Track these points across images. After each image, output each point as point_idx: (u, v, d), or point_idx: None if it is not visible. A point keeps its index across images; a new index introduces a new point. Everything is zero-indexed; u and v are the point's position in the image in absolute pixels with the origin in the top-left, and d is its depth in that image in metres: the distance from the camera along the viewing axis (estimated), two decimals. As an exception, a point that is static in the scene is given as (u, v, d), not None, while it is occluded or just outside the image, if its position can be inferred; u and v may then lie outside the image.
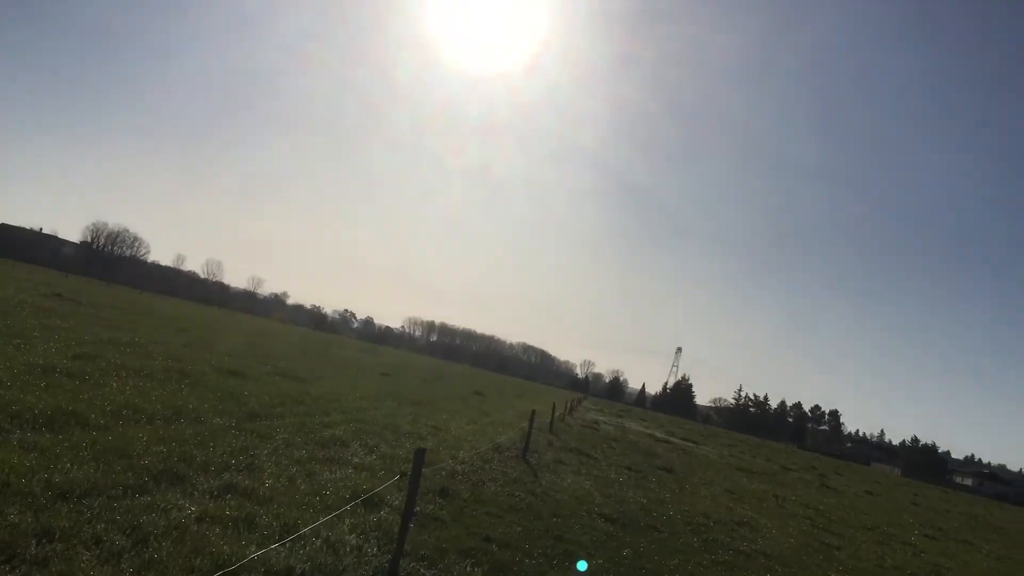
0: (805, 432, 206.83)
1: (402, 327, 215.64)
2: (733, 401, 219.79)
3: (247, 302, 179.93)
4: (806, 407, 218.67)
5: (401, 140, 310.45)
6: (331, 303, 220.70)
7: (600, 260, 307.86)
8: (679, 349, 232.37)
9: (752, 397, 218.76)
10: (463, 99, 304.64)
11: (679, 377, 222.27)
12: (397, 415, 22.99)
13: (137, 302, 64.71)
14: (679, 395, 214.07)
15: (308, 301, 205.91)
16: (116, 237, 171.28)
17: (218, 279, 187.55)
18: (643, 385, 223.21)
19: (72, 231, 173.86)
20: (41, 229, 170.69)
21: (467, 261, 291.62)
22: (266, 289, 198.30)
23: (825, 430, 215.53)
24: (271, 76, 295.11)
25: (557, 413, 34.21)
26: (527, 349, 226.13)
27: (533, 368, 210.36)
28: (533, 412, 21.75)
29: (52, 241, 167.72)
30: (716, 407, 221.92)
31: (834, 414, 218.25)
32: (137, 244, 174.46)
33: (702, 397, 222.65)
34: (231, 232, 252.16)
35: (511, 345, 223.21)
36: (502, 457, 19.46)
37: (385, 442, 16.77)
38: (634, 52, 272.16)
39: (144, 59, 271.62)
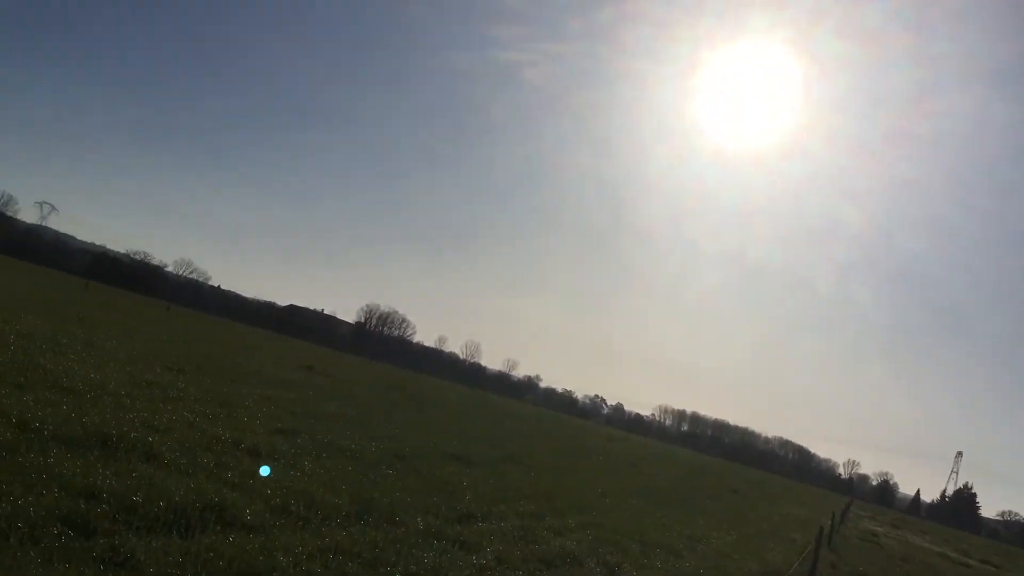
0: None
1: (652, 415, 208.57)
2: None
3: (501, 383, 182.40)
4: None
5: (653, 229, 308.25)
6: (582, 387, 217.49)
7: (866, 349, 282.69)
8: (959, 453, 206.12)
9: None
10: (718, 184, 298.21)
11: (959, 484, 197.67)
12: (644, 518, 19.17)
13: (389, 379, 65.42)
14: (960, 505, 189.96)
15: (560, 385, 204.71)
16: (386, 318, 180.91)
17: (476, 360, 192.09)
18: (917, 491, 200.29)
19: (349, 312, 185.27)
20: (323, 310, 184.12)
21: (721, 348, 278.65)
22: (520, 371, 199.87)
23: None
24: (531, 175, 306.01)
25: (830, 522, 28.59)
26: (784, 444, 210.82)
27: (790, 465, 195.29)
28: (821, 530, 17.11)
29: (331, 321, 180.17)
30: (1006, 521, 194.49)
31: None
32: (404, 325, 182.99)
33: (987, 508, 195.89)
34: (490, 317, 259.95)
35: (766, 439, 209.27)
36: (780, 587, 15.07)
37: (629, 559, 13.08)
38: (907, 128, 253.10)
39: (417, 165, 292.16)
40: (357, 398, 30.00)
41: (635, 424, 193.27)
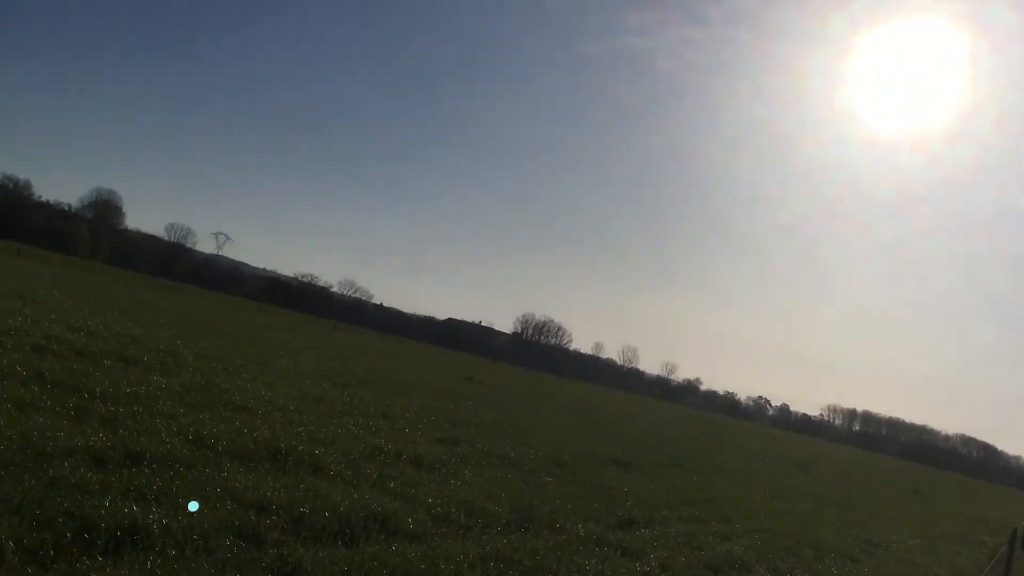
0: None
1: (820, 415, 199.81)
2: None
3: (660, 388, 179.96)
4: None
5: (802, 223, 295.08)
6: (745, 389, 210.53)
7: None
8: None
9: None
10: (872, 174, 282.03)
11: None
12: (817, 522, 18.31)
13: (547, 387, 65.81)
14: None
15: (721, 387, 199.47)
16: (542, 327, 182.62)
17: (633, 365, 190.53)
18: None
19: (506, 323, 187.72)
20: (480, 322, 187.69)
21: (888, 344, 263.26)
22: (679, 375, 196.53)
23: None
24: (671, 170, 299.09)
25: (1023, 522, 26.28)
26: (966, 441, 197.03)
27: (974, 463, 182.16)
28: (1014, 531, 15.68)
29: (489, 332, 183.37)
30: None
31: None
32: (561, 333, 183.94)
33: None
34: (646, 321, 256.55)
35: (947, 436, 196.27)
36: (973, 594, 13.97)
37: (802, 565, 12.49)
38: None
39: (561, 168, 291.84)
40: (515, 406, 30.24)
41: (802, 425, 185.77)
